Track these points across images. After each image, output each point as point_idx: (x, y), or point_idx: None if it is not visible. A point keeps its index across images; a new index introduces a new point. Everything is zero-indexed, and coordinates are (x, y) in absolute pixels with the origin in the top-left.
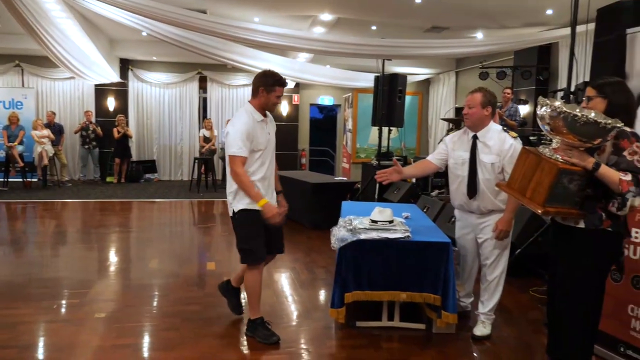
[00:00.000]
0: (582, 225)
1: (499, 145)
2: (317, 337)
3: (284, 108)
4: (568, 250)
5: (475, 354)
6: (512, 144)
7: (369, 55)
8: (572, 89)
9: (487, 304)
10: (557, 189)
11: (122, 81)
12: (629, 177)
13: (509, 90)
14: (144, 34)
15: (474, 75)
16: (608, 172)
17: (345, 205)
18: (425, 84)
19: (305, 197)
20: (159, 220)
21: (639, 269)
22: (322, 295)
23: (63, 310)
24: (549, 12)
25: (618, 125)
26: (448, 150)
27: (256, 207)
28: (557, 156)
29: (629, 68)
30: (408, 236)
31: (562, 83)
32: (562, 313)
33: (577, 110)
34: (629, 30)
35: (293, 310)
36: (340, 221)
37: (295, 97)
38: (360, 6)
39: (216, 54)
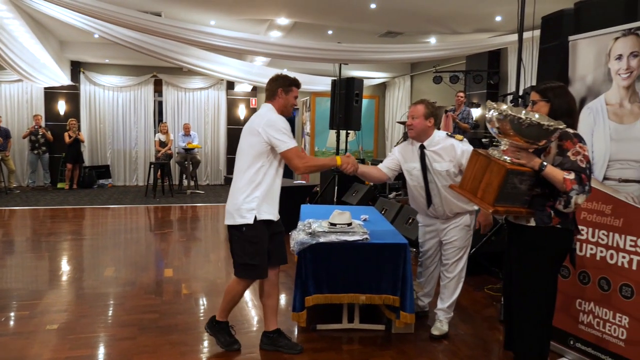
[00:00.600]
0: (532, 223)
1: (449, 151)
2: None
3: (242, 112)
4: (521, 248)
5: (433, 353)
6: (462, 149)
7: (326, 60)
8: (520, 92)
9: (447, 300)
10: (506, 189)
11: (74, 84)
12: (572, 175)
13: (461, 94)
14: (96, 36)
15: (428, 79)
16: (553, 172)
17: (305, 208)
18: (382, 87)
19: None
20: (113, 227)
21: (585, 265)
22: (283, 299)
23: (12, 323)
24: (498, 18)
25: (560, 127)
26: (400, 161)
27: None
28: (506, 157)
29: (572, 73)
30: (366, 238)
31: (511, 87)
32: (518, 309)
33: (523, 113)
34: (570, 38)
35: (254, 315)
36: (300, 224)
37: (253, 100)
38: (317, 11)
39: (171, 57)
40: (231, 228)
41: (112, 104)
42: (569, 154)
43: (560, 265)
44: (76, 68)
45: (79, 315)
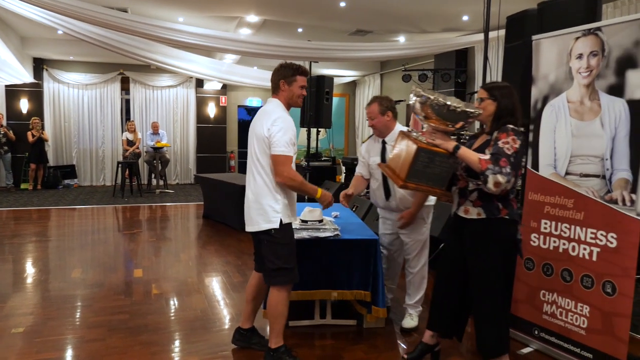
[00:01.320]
0: (483, 215)
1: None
2: None
3: (211, 110)
4: (475, 240)
5: (404, 346)
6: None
7: (296, 58)
8: None
9: (414, 296)
10: (417, 166)
11: (36, 82)
12: (487, 156)
13: None
14: (60, 32)
15: (397, 77)
16: (467, 154)
17: None
18: (352, 85)
19: (234, 199)
20: (80, 228)
21: (549, 257)
22: None
23: None
24: (465, 18)
25: (478, 112)
26: (366, 158)
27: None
28: (422, 138)
29: (535, 71)
30: (337, 235)
31: (478, 85)
32: (479, 301)
33: (442, 97)
34: (534, 37)
35: (226, 314)
36: None
37: (223, 98)
38: (287, 8)
39: (139, 54)
40: (259, 234)
41: (77, 102)
42: (499, 143)
43: (512, 254)
44: (39, 65)
45: (45, 317)
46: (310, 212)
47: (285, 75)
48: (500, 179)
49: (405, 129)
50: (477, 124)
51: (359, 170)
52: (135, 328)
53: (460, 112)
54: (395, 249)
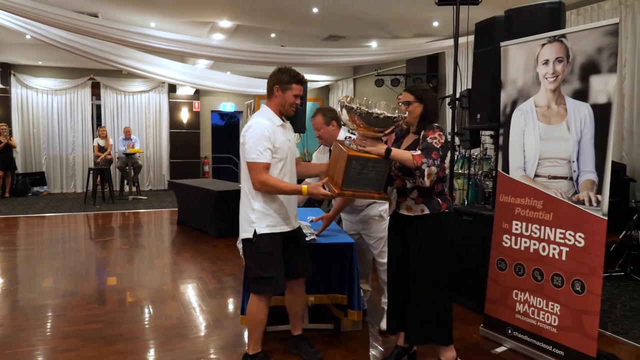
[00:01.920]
0: (427, 211)
1: None
2: (227, 346)
3: (184, 115)
4: (419, 237)
5: (381, 348)
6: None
7: (269, 63)
8: (457, 95)
9: None
10: (350, 174)
11: (4, 87)
12: (418, 152)
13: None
14: (28, 36)
15: (370, 82)
16: (400, 153)
17: None
18: (325, 90)
19: (209, 205)
20: (50, 236)
21: (520, 257)
22: (232, 303)
23: None
24: (436, 24)
25: (403, 115)
26: None
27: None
28: (353, 146)
29: (504, 77)
30: (314, 239)
31: (449, 89)
32: (424, 296)
33: (364, 106)
34: (502, 44)
35: (202, 321)
36: None
37: (196, 103)
38: (259, 14)
39: (110, 59)
40: (243, 241)
41: (46, 107)
42: (428, 139)
43: (452, 245)
44: (6, 70)
45: (16, 329)
46: None
47: (280, 80)
48: (434, 169)
49: (346, 135)
50: None
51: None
52: (110, 337)
53: (384, 119)
54: (362, 248)
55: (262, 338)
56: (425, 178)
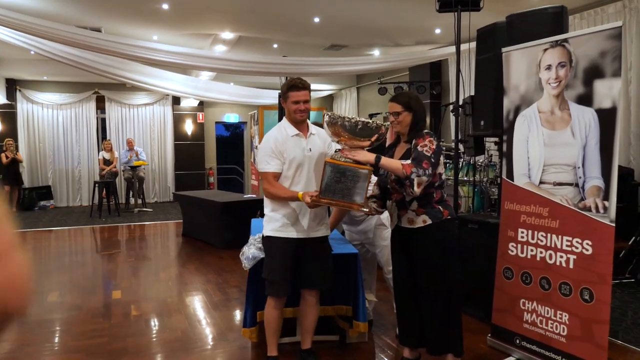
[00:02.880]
0: (429, 221)
1: None
2: (232, 359)
3: (189, 127)
4: (423, 248)
5: (387, 359)
6: None
7: (272, 73)
8: (460, 102)
9: None
10: (327, 181)
11: (9, 102)
12: (408, 161)
13: None
14: (32, 52)
15: (373, 90)
16: (389, 162)
17: (255, 222)
18: (329, 99)
19: (214, 216)
20: (57, 250)
21: (527, 266)
22: (236, 315)
23: None
24: (438, 31)
25: (386, 124)
26: None
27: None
28: (341, 156)
29: (506, 82)
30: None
31: (452, 96)
32: (434, 307)
33: (353, 117)
34: (503, 49)
35: (207, 333)
36: (251, 239)
37: (200, 115)
38: (261, 25)
39: (113, 73)
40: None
41: (52, 122)
42: (418, 147)
43: (457, 251)
44: (12, 86)
45: (21, 344)
46: None
47: (282, 92)
48: (424, 179)
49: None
50: None
51: None
52: (115, 352)
53: (368, 128)
54: (364, 258)
55: (277, 343)
56: (415, 187)
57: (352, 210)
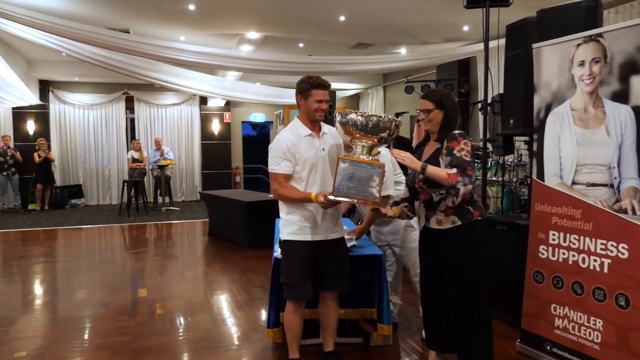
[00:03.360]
0: (458, 222)
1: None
2: None
3: (216, 126)
4: (454, 249)
5: None
6: (390, 158)
7: (297, 73)
8: (489, 100)
9: None
10: (340, 178)
11: (42, 103)
12: (454, 170)
13: None
14: (64, 54)
15: (400, 89)
16: (435, 171)
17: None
18: (355, 98)
19: (239, 216)
20: (87, 247)
21: (558, 269)
22: (260, 316)
23: None
24: (466, 28)
25: (397, 119)
26: None
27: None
28: (388, 155)
29: (537, 80)
30: (354, 245)
31: (481, 94)
32: (464, 309)
33: (363, 115)
34: (534, 45)
35: (231, 333)
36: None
37: (227, 115)
38: (287, 24)
39: (142, 74)
40: None
41: (82, 122)
42: (454, 151)
43: (485, 253)
44: (45, 87)
45: (50, 340)
46: None
47: (301, 90)
48: (469, 187)
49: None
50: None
51: None
52: (139, 350)
53: (380, 125)
54: (392, 263)
55: (298, 346)
56: (459, 197)
57: (368, 207)
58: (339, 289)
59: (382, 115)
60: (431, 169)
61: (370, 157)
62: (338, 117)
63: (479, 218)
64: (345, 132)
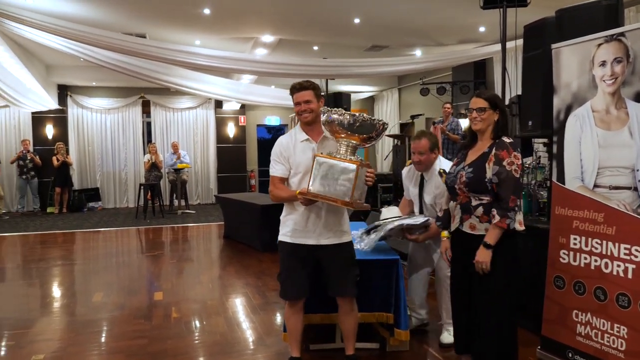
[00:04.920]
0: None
1: (435, 184)
2: None
3: (231, 130)
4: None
5: None
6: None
7: (312, 76)
8: (507, 102)
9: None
10: (316, 177)
11: (61, 108)
12: (498, 218)
13: (448, 105)
14: (82, 59)
15: (415, 91)
16: (493, 235)
17: None
18: (370, 101)
19: (254, 219)
20: (104, 250)
21: (580, 274)
22: (275, 320)
23: None
24: (482, 29)
25: (384, 120)
26: (406, 183)
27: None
28: (333, 152)
29: (556, 81)
30: (428, 220)
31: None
32: (494, 315)
33: (351, 114)
34: (553, 46)
35: (246, 337)
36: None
37: (242, 118)
38: (301, 27)
39: (158, 78)
40: None
41: (100, 126)
42: (504, 163)
43: (518, 265)
44: (63, 92)
45: (66, 343)
46: (389, 210)
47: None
48: (519, 217)
49: (437, 170)
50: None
51: (406, 193)
52: (155, 354)
53: (366, 124)
54: (424, 265)
55: (298, 345)
56: (519, 225)
57: (337, 206)
58: (343, 294)
59: (368, 116)
60: (491, 239)
61: (352, 157)
62: (322, 117)
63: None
64: (331, 132)
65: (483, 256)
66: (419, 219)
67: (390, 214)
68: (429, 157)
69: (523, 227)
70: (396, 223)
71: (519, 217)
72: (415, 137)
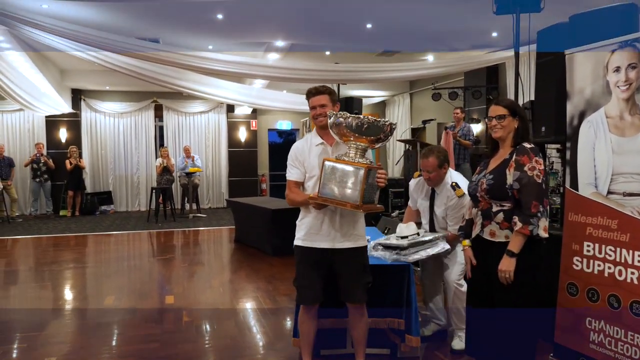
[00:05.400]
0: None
1: (447, 197)
2: None
3: (242, 134)
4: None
5: None
6: (455, 199)
7: (324, 81)
8: None
9: (462, 316)
10: (325, 180)
11: (74, 112)
12: (520, 224)
13: (458, 111)
14: (96, 63)
15: (427, 96)
16: (516, 243)
17: None
18: (381, 105)
19: (265, 223)
20: (116, 253)
21: (594, 282)
22: (285, 325)
23: (12, 355)
24: (495, 34)
25: (392, 121)
26: (413, 194)
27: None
28: (342, 155)
29: (570, 86)
30: (445, 248)
31: None
32: (516, 321)
33: (358, 117)
34: (567, 51)
35: (257, 342)
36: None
37: (253, 122)
38: (313, 32)
39: (171, 83)
40: None
41: (113, 130)
42: (525, 168)
43: (541, 272)
44: (77, 95)
45: (78, 346)
46: (407, 227)
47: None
48: (544, 222)
49: (449, 183)
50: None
51: (410, 202)
52: (166, 357)
53: (373, 126)
54: (438, 271)
55: (309, 350)
56: (543, 232)
57: (346, 210)
58: (353, 300)
59: (373, 118)
60: (515, 247)
61: (361, 160)
62: (330, 120)
63: (546, 235)
64: (338, 134)
65: (507, 265)
66: (439, 244)
67: (409, 231)
68: (439, 174)
69: (547, 234)
70: (416, 256)
71: (543, 223)
72: (422, 155)
